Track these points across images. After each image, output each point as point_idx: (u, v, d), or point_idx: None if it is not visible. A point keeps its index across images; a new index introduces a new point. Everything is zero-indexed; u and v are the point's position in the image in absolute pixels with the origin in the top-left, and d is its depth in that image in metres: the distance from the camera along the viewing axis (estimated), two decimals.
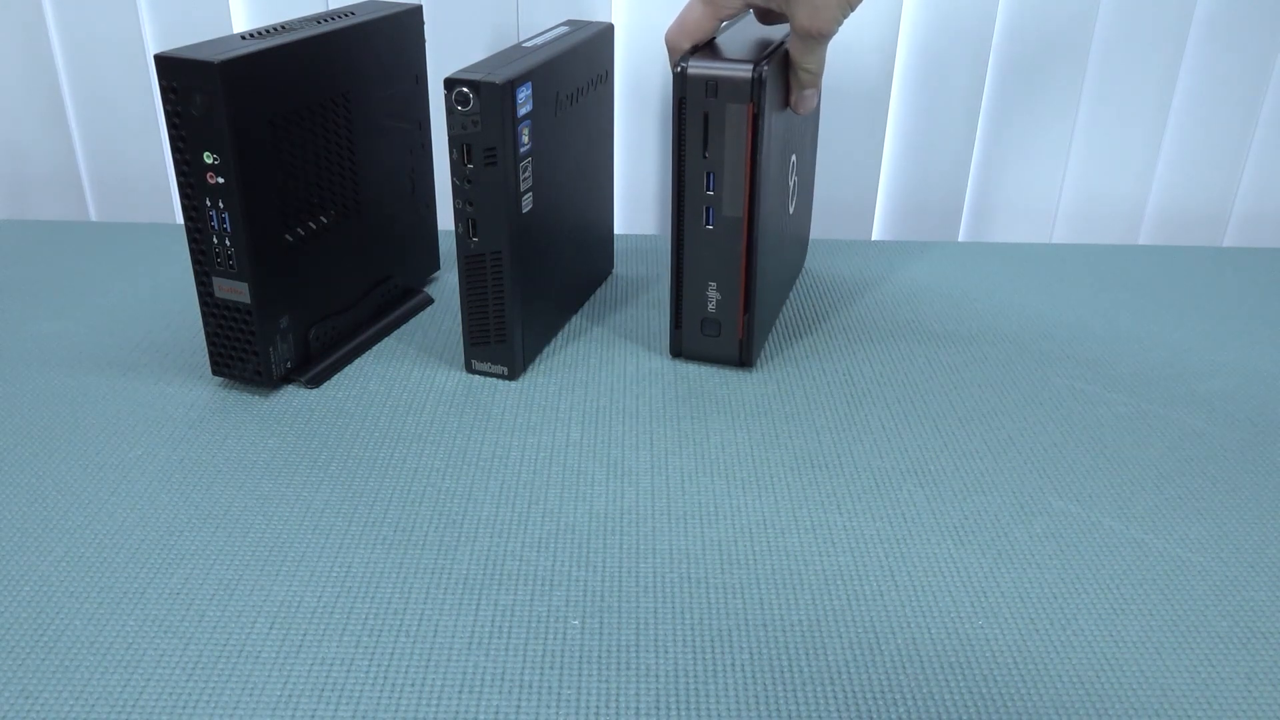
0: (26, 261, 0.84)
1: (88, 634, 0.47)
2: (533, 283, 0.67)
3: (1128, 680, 0.45)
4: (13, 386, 0.66)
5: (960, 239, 1.00)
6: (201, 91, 0.56)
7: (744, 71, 0.60)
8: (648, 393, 0.67)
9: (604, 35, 0.72)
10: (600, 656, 0.46)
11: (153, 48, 0.93)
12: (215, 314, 0.63)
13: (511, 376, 0.68)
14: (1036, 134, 0.95)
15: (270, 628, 0.47)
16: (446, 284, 0.82)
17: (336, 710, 0.43)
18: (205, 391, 0.66)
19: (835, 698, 0.44)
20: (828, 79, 0.91)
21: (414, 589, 0.50)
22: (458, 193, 0.63)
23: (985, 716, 0.44)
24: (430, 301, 0.78)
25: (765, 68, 0.59)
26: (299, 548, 0.52)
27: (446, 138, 0.61)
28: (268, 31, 0.62)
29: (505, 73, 0.60)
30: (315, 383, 0.67)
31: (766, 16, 0.67)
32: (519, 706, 0.44)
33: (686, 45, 0.63)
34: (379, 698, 0.44)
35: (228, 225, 0.60)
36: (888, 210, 0.99)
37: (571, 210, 0.72)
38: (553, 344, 0.73)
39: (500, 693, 0.44)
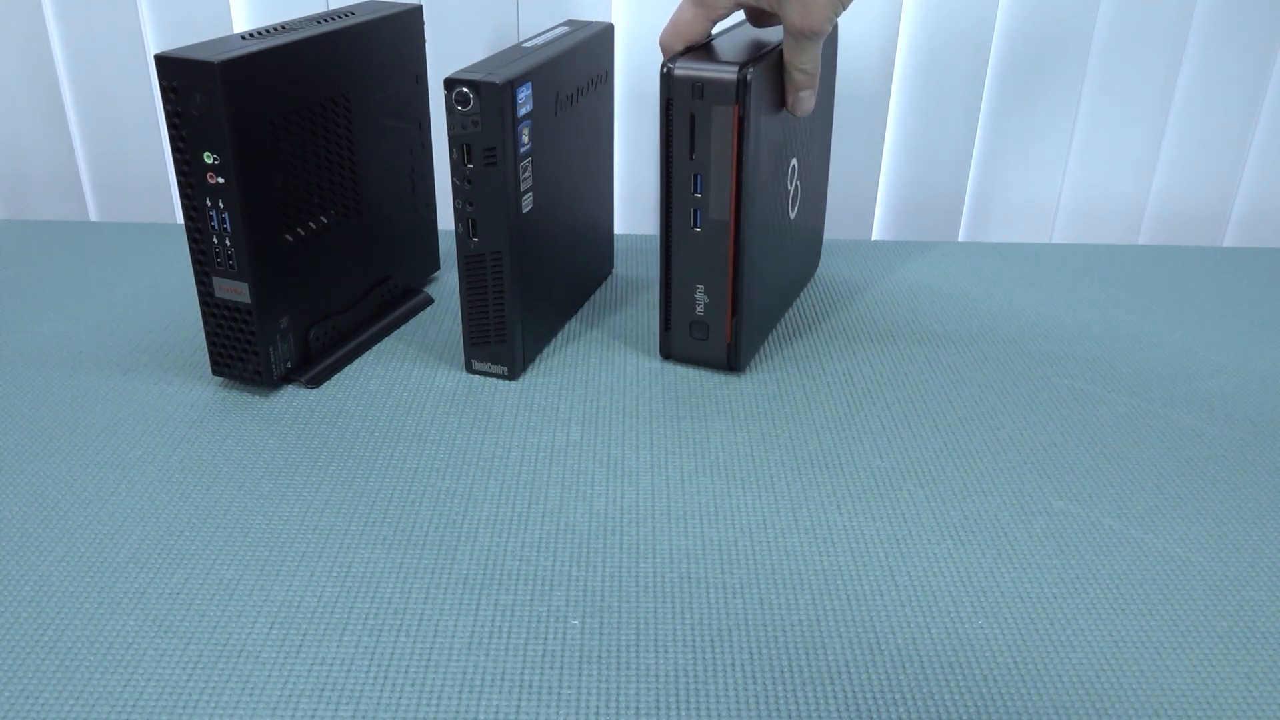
0: (26, 261, 0.84)
1: (88, 634, 0.47)
2: (533, 283, 0.67)
3: (1128, 680, 0.45)
4: (13, 386, 0.66)
5: (960, 239, 1.00)
6: (201, 91, 0.56)
7: (729, 73, 0.60)
8: (648, 393, 0.67)
9: (604, 35, 0.72)
10: (600, 656, 0.46)
11: (153, 48, 0.93)
12: (215, 314, 0.63)
13: (511, 376, 0.68)
14: (1036, 134, 0.95)
15: (270, 628, 0.47)
16: (446, 284, 0.82)
17: (336, 710, 0.43)
18: (205, 391, 0.66)
19: (835, 698, 0.44)
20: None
21: (414, 589, 0.50)
22: (458, 193, 0.63)
23: (985, 716, 0.44)
24: (430, 301, 0.78)
25: (752, 70, 0.59)
26: (299, 548, 0.52)
27: (446, 138, 0.61)
28: (268, 31, 0.62)
29: (505, 73, 0.60)
30: (315, 383, 0.67)
31: (760, 18, 0.67)
32: (519, 706, 0.44)
33: (680, 47, 0.63)
34: (379, 698, 0.44)
35: (228, 225, 0.60)
36: (888, 210, 0.99)
37: (571, 210, 0.72)
38: (553, 344, 0.73)
39: (500, 693, 0.44)
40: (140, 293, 0.79)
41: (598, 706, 0.44)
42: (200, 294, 0.63)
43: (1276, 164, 0.96)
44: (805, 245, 0.78)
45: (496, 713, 0.43)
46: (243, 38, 0.60)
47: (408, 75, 0.72)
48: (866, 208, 0.98)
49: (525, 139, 0.62)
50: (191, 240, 0.61)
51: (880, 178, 0.97)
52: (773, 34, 0.68)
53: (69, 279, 0.81)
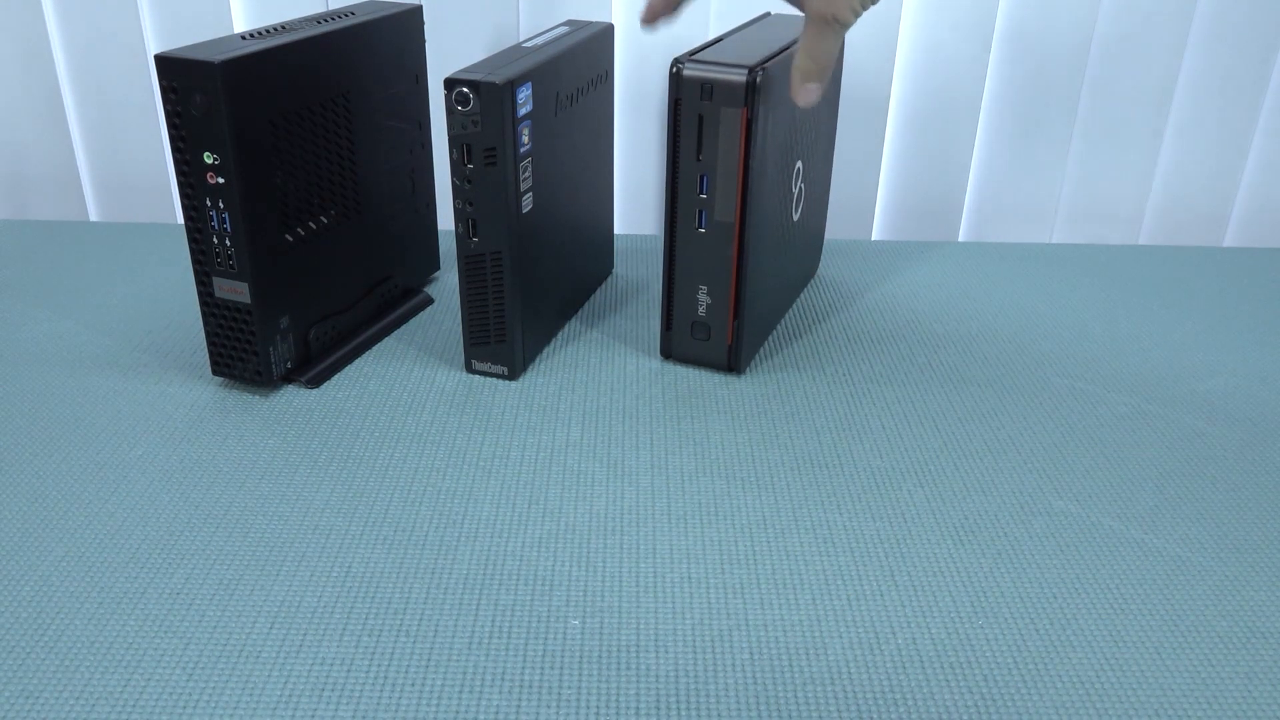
0: (26, 261, 0.84)
1: (88, 634, 0.47)
2: (533, 283, 0.67)
3: (1128, 680, 0.45)
4: (13, 386, 0.66)
5: (960, 239, 1.00)
6: (202, 91, 0.56)
7: (739, 75, 0.59)
8: (648, 393, 0.67)
9: (604, 35, 0.72)
10: (600, 656, 0.46)
11: (153, 48, 0.93)
12: (215, 314, 0.63)
13: (511, 376, 0.68)
14: (1036, 134, 0.95)
15: (270, 628, 0.47)
16: (446, 284, 0.82)
17: (336, 710, 0.43)
18: (205, 391, 0.66)
19: (835, 698, 0.44)
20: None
21: (414, 589, 0.50)
22: (458, 193, 0.63)
23: (985, 716, 0.44)
24: (430, 301, 0.78)
25: (761, 72, 0.59)
26: (299, 548, 0.52)
27: (446, 138, 0.61)
28: (268, 31, 0.62)
29: (505, 73, 0.60)
30: (315, 383, 0.67)
31: None
32: (519, 706, 0.44)
33: (653, 16, 0.57)
34: (379, 698, 0.44)
35: (228, 225, 0.60)
36: (888, 210, 0.99)
37: (571, 210, 0.72)
38: (553, 344, 0.73)
39: (500, 693, 0.44)
40: (140, 293, 0.79)
41: (598, 706, 0.44)
42: (200, 294, 0.63)
43: (1276, 164, 0.96)
44: (807, 246, 0.78)
45: (496, 713, 0.43)
46: (243, 38, 0.60)
47: (408, 75, 0.72)
48: (867, 208, 0.98)
49: (525, 139, 0.62)
50: (191, 240, 0.61)
51: (880, 178, 0.97)
52: (784, 34, 0.67)
53: (69, 279, 0.81)
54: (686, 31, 0.91)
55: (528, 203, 0.64)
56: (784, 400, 0.66)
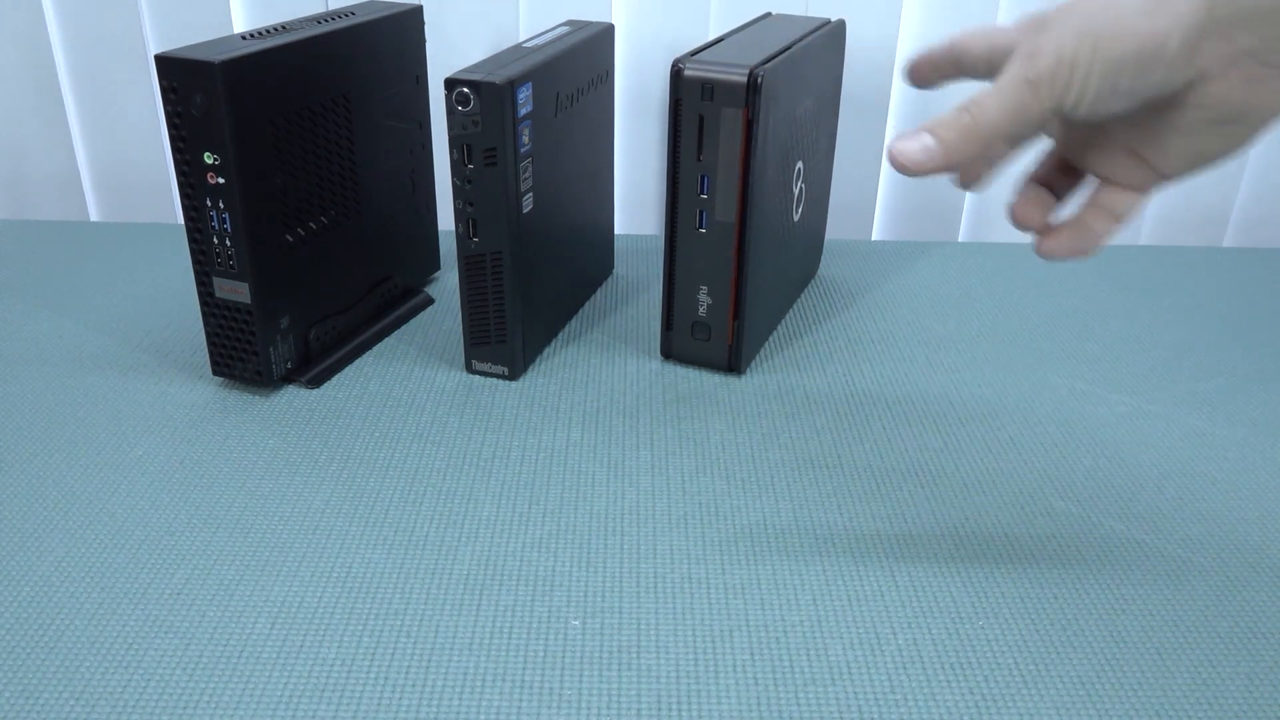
0: (26, 261, 0.84)
1: (88, 634, 0.47)
2: (533, 283, 0.67)
3: (1128, 680, 0.45)
4: (13, 386, 0.66)
5: (960, 239, 1.00)
6: (202, 91, 0.56)
7: (740, 75, 0.59)
8: (648, 393, 0.67)
9: (604, 35, 0.72)
10: (600, 656, 0.46)
11: (153, 48, 0.93)
12: (215, 314, 0.63)
13: (511, 376, 0.68)
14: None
15: (270, 628, 0.47)
16: (446, 284, 0.82)
17: (336, 710, 0.43)
18: (205, 391, 0.66)
19: (835, 698, 0.44)
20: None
21: (414, 589, 0.50)
22: (458, 193, 0.63)
23: (985, 716, 0.44)
24: (430, 301, 0.78)
25: (763, 72, 0.59)
26: (299, 548, 0.52)
27: (446, 138, 0.61)
28: (268, 31, 0.62)
29: (505, 73, 0.60)
30: (315, 383, 0.67)
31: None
32: (519, 706, 0.44)
33: (971, 149, 0.39)
34: (379, 698, 0.44)
35: (228, 225, 0.60)
36: (888, 210, 0.99)
37: (572, 210, 0.72)
38: (553, 344, 0.73)
39: (500, 693, 0.44)
40: (140, 293, 0.79)
41: (598, 706, 0.44)
42: (200, 294, 0.63)
43: (1276, 164, 0.96)
44: (807, 246, 0.78)
45: (496, 713, 0.43)
46: (243, 38, 0.60)
47: (408, 75, 0.72)
48: (867, 208, 0.98)
49: (525, 139, 0.62)
50: (191, 240, 0.61)
51: (880, 178, 0.97)
52: (784, 34, 0.67)
53: (69, 279, 0.81)
54: (686, 31, 0.91)
55: (528, 203, 0.64)
56: (784, 400, 0.66)
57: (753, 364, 0.70)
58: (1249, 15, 0.37)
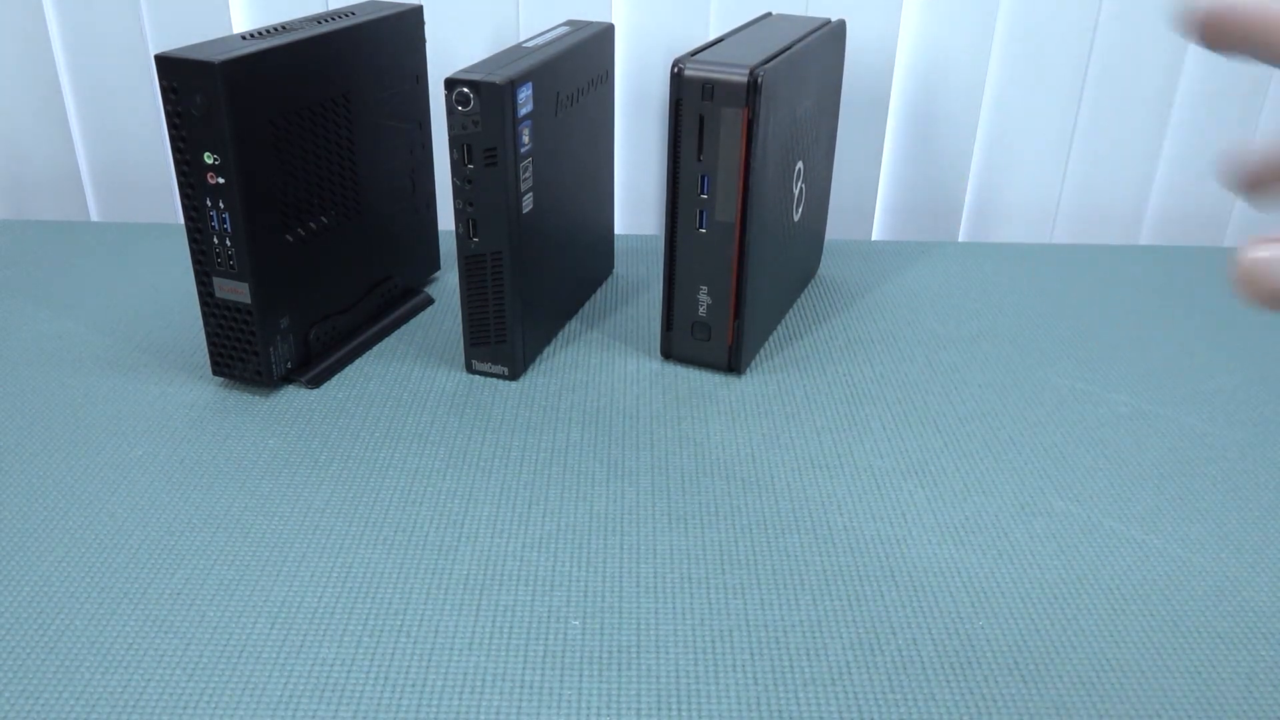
0: (26, 261, 0.84)
1: (88, 634, 0.47)
2: (533, 283, 0.67)
3: (1128, 680, 0.45)
4: (13, 386, 0.66)
5: (960, 239, 1.00)
6: (202, 91, 0.56)
7: (740, 75, 0.59)
8: (648, 393, 0.67)
9: (604, 35, 0.72)
10: (600, 657, 0.46)
11: (153, 48, 0.93)
12: (216, 314, 0.63)
13: (511, 376, 0.68)
14: (1036, 134, 0.95)
15: (270, 628, 0.47)
16: (446, 284, 0.82)
17: (337, 710, 0.43)
18: (205, 391, 0.66)
19: (835, 698, 0.44)
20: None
21: (414, 589, 0.50)
22: (458, 193, 0.63)
23: (985, 716, 0.44)
24: (430, 301, 0.78)
25: (763, 72, 0.59)
26: (299, 548, 0.52)
27: (447, 138, 0.61)
28: (268, 31, 0.62)
29: (506, 73, 0.60)
30: (315, 383, 0.67)
31: None
32: (519, 706, 0.44)
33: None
34: (379, 698, 0.44)
35: (228, 225, 0.60)
36: (888, 210, 0.99)
37: (572, 210, 0.72)
38: (553, 344, 0.73)
39: (500, 693, 0.44)
40: (140, 293, 0.79)
41: (598, 706, 0.44)
42: (200, 294, 0.63)
43: None
44: (807, 246, 0.78)
45: (496, 713, 0.43)
46: (243, 38, 0.60)
47: (408, 75, 0.72)
48: (867, 208, 0.98)
49: (525, 139, 0.62)
50: (192, 240, 0.61)
51: (880, 178, 0.97)
52: (784, 34, 0.67)
53: (69, 279, 0.81)
54: (686, 31, 0.91)
55: (528, 203, 0.64)
56: (784, 400, 0.66)
57: (753, 364, 0.70)
58: None
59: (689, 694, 0.44)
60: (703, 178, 0.63)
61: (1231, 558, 0.53)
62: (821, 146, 0.74)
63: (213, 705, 0.43)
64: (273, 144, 0.61)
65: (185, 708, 0.43)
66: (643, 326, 0.75)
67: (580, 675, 0.45)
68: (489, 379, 0.68)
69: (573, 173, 0.71)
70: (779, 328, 0.75)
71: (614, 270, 0.85)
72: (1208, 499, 0.57)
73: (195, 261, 0.62)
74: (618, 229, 0.99)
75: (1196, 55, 0.92)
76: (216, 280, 0.62)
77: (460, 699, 0.44)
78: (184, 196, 0.60)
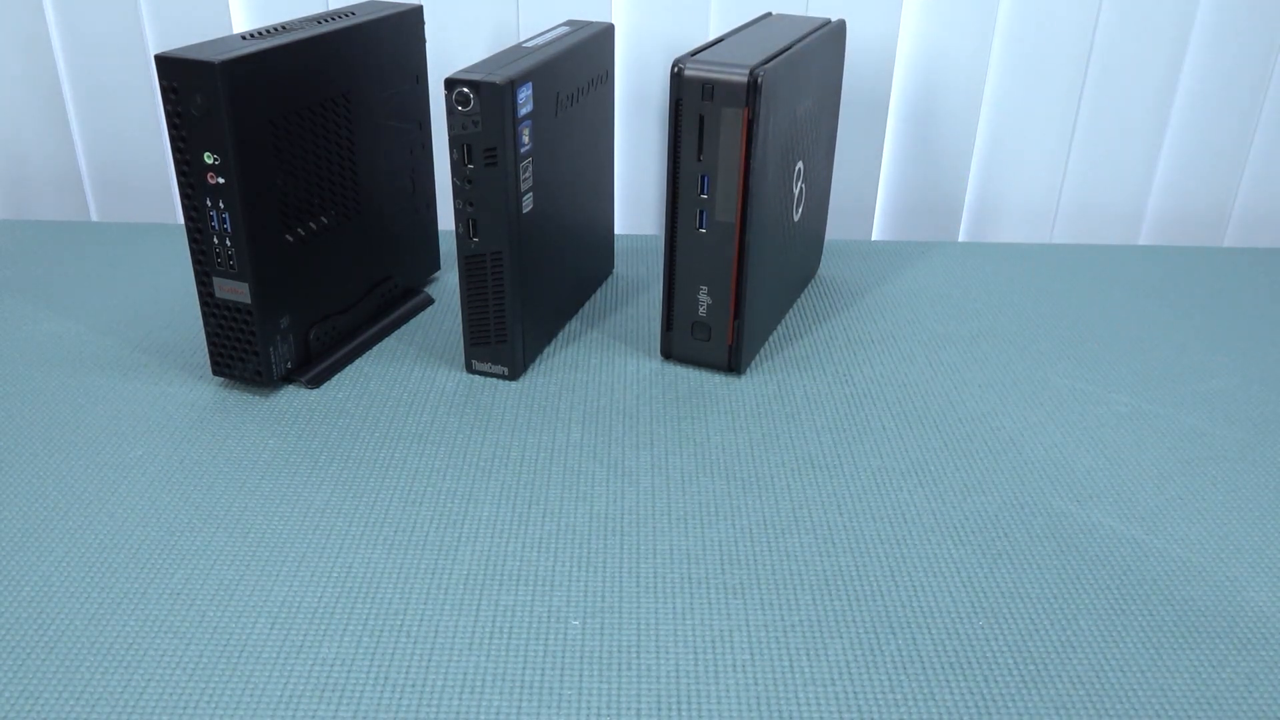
0: (26, 261, 0.84)
1: (88, 634, 0.47)
2: (533, 283, 0.67)
3: (1128, 680, 0.45)
4: (13, 386, 0.66)
5: (960, 239, 1.00)
6: (202, 91, 0.56)
7: (740, 75, 0.59)
8: (648, 393, 0.67)
9: (604, 35, 0.72)
10: (600, 657, 0.46)
11: (153, 48, 0.93)
12: (216, 314, 0.63)
13: (512, 376, 0.68)
14: (1036, 134, 0.95)
15: (270, 628, 0.47)
16: (446, 284, 0.82)
17: (337, 710, 0.43)
18: (205, 391, 0.66)
19: (836, 698, 0.44)
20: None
21: (414, 589, 0.50)
22: (458, 193, 0.63)
23: (985, 716, 0.44)
24: (430, 301, 0.78)
25: (763, 72, 0.59)
26: (299, 548, 0.52)
27: (447, 138, 0.61)
28: (268, 31, 0.62)
29: (506, 73, 0.60)
30: (315, 383, 0.67)
31: None
32: (519, 706, 0.44)
33: None
34: (379, 698, 0.44)
35: (228, 225, 0.60)
36: (888, 210, 0.99)
37: (572, 210, 0.72)
38: (553, 344, 0.73)
39: (500, 693, 0.44)
40: (140, 293, 0.79)
41: (598, 707, 0.44)
42: (200, 294, 0.63)
43: (1276, 164, 0.96)
44: (807, 246, 0.78)
45: (496, 713, 0.43)
46: (243, 38, 0.60)
47: (408, 75, 0.72)
48: (867, 208, 0.98)
49: (525, 139, 0.62)
50: (192, 240, 0.61)
51: (880, 178, 0.97)
52: (785, 34, 0.67)
53: (69, 279, 0.81)
54: (686, 31, 0.91)
55: (528, 203, 0.64)
56: (784, 400, 0.66)
57: (753, 364, 0.70)
58: None
59: (689, 694, 0.44)
60: (703, 178, 0.63)
61: (1231, 558, 0.53)
62: (821, 146, 0.74)
63: (213, 705, 0.43)
64: (273, 144, 0.61)
65: (185, 708, 0.43)
66: (643, 326, 0.75)
67: (580, 675, 0.45)
68: (489, 379, 0.68)
69: (572, 173, 0.71)
70: (779, 328, 0.75)
71: (614, 270, 0.85)
72: (1208, 499, 0.57)
73: (195, 261, 0.62)
74: (618, 229, 0.99)
75: (1196, 55, 0.92)
76: (216, 280, 0.62)
77: (460, 699, 0.44)
78: (184, 196, 0.60)
